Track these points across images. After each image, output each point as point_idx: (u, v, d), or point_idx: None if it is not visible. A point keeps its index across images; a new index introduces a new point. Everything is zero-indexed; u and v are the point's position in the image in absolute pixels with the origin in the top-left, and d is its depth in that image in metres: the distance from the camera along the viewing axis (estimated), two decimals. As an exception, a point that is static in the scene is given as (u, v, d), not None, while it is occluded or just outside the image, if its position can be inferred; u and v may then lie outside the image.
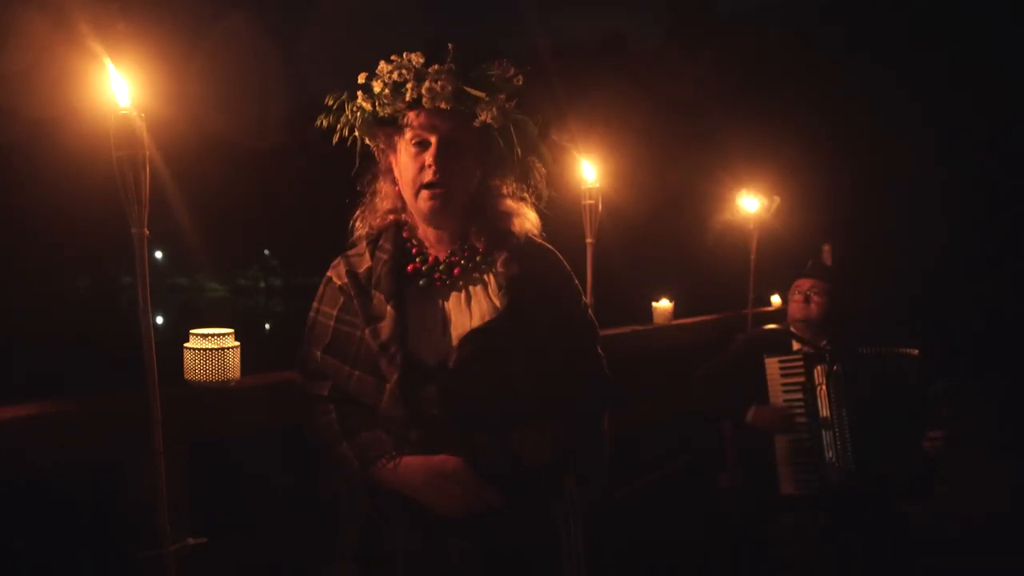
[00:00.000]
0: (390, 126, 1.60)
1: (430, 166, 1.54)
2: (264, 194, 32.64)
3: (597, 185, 2.89)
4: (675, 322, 4.01)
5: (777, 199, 4.40)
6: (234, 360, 1.88)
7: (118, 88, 1.50)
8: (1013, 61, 14.65)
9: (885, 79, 16.11)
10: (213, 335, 1.87)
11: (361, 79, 1.59)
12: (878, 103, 16.09)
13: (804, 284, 2.90)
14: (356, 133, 1.62)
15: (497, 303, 1.55)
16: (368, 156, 1.67)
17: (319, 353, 1.61)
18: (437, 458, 1.49)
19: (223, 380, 1.86)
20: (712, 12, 25.31)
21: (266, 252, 43.08)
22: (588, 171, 2.86)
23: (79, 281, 40.04)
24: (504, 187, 1.66)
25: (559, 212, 1.76)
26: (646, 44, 27.48)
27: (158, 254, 39.59)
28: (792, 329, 2.93)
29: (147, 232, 1.56)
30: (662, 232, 17.75)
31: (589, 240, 2.96)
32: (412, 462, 1.50)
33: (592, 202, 2.90)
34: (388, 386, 1.50)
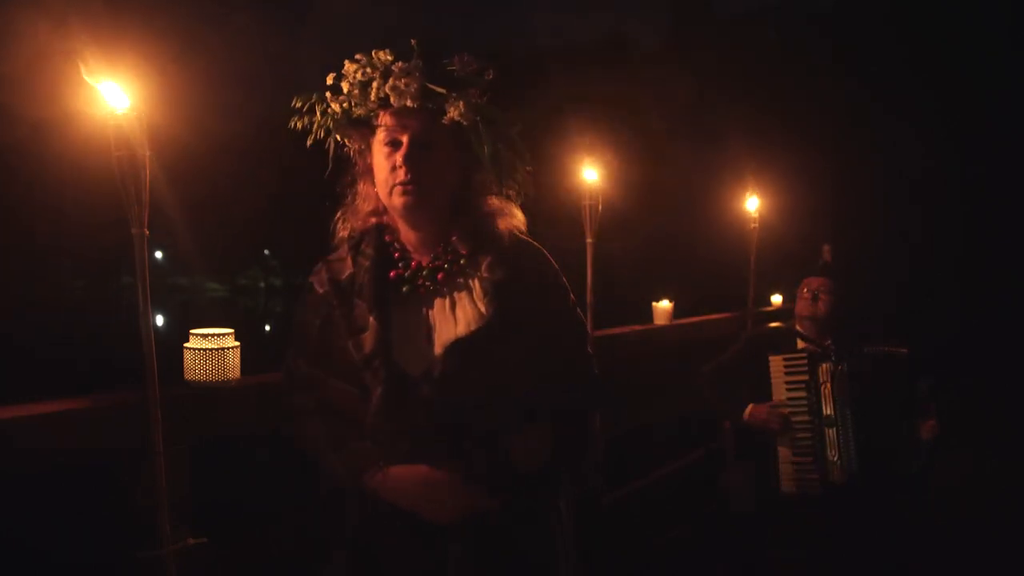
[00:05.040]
0: (364, 127, 1.57)
1: (401, 166, 1.51)
2: (264, 194, 32.63)
3: (597, 185, 2.89)
4: (675, 322, 4.01)
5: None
6: (234, 360, 1.88)
7: (118, 89, 1.50)
8: (1010, 61, 14.66)
9: (884, 80, 16.11)
10: (213, 335, 1.87)
11: (330, 80, 1.56)
12: (878, 103, 16.09)
13: (813, 283, 2.90)
14: (332, 135, 1.59)
15: (482, 309, 1.51)
16: (344, 158, 1.63)
17: (304, 363, 1.59)
18: (426, 467, 1.47)
19: (223, 380, 1.86)
20: (712, 12, 25.34)
21: (266, 252, 43.09)
22: (588, 171, 2.86)
23: (78, 281, 40.01)
24: (488, 186, 1.61)
25: (559, 212, 1.73)
26: (646, 44, 27.50)
27: (158, 254, 39.52)
28: (798, 327, 2.93)
29: (147, 232, 1.56)
30: (662, 232, 17.76)
31: (589, 240, 2.96)
32: (401, 472, 1.48)
33: (592, 202, 2.90)
34: (373, 398, 1.48)
